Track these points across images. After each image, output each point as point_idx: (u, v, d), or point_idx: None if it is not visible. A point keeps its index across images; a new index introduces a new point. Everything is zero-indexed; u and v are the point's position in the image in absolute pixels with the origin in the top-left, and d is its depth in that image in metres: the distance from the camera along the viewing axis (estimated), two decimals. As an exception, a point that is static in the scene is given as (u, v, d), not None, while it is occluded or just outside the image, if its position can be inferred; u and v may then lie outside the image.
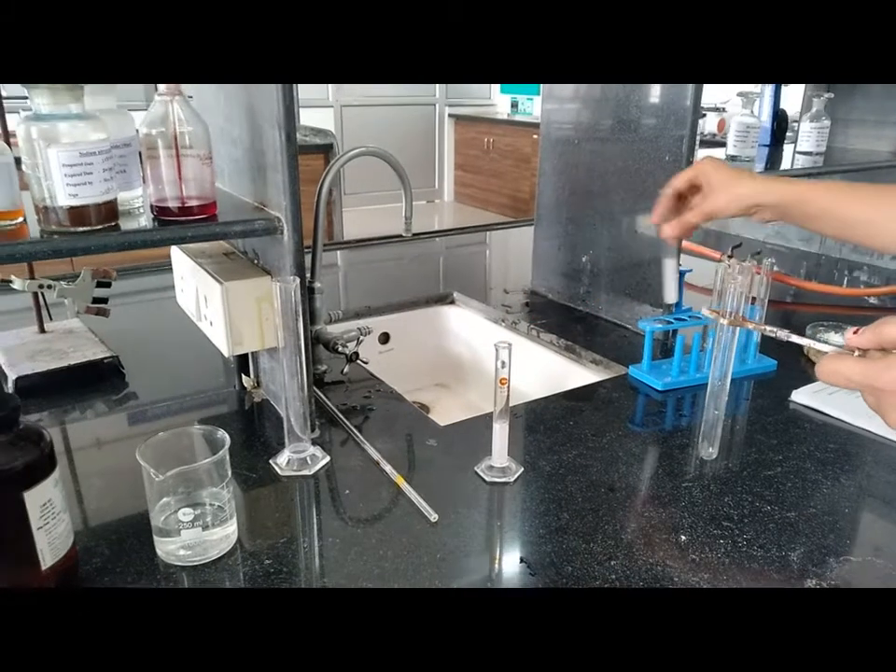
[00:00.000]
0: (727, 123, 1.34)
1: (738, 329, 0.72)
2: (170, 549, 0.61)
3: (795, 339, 0.59)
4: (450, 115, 6.27)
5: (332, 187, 1.18)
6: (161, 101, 0.68)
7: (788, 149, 1.53)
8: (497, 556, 0.63)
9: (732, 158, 1.30)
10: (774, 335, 0.61)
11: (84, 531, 0.65)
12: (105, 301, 0.96)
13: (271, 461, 0.75)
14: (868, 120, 1.56)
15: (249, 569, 0.60)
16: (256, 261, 0.85)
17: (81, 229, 0.64)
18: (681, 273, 1.00)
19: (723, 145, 1.37)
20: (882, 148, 1.53)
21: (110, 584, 0.58)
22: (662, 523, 0.67)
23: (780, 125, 1.55)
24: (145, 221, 0.71)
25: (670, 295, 0.96)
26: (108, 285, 0.95)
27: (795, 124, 1.52)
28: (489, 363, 0.69)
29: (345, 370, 0.94)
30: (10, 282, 0.90)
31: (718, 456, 0.77)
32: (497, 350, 0.67)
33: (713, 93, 3.51)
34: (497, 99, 6.35)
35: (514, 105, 5.95)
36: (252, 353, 0.90)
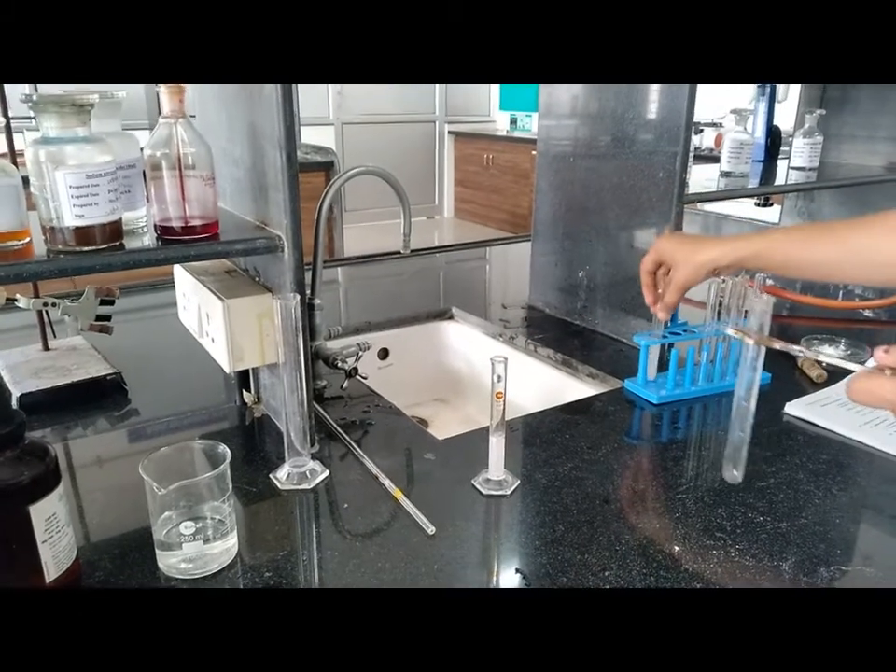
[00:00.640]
0: (724, 139, 1.36)
1: (762, 346, 0.72)
2: (171, 562, 0.62)
3: (824, 359, 0.59)
4: (450, 131, 6.32)
5: (333, 204, 1.20)
6: (166, 123, 0.69)
7: (782, 165, 1.55)
8: (494, 568, 0.64)
9: (726, 174, 1.32)
10: (801, 354, 0.60)
11: (87, 545, 0.66)
12: (108, 318, 0.97)
13: (271, 475, 0.76)
14: (859, 136, 1.59)
15: (249, 582, 0.61)
16: (257, 279, 0.86)
17: (87, 248, 0.65)
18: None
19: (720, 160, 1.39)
20: (874, 163, 1.55)
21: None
22: (656, 534, 0.68)
23: (774, 141, 1.57)
24: (148, 240, 0.72)
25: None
26: (111, 302, 0.97)
27: (789, 139, 1.54)
28: (487, 377, 0.70)
29: (345, 385, 0.95)
30: (16, 300, 0.92)
31: (711, 468, 0.78)
32: (493, 364, 0.69)
33: (711, 109, 3.55)
34: (496, 115, 6.40)
35: (513, 121, 5.98)
36: (253, 369, 0.91)
